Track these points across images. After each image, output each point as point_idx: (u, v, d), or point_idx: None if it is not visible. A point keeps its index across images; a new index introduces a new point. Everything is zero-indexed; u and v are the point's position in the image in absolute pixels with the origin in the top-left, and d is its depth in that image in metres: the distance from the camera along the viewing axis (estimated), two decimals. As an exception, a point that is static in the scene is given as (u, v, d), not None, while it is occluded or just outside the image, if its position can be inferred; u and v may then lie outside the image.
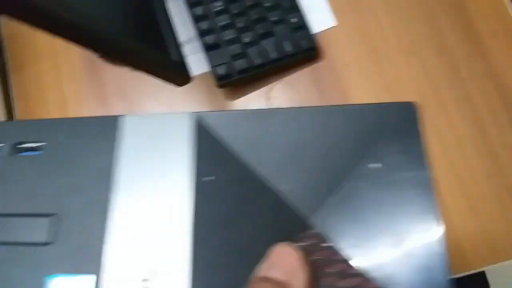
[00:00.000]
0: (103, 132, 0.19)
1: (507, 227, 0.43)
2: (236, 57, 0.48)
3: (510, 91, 0.46)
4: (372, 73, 0.48)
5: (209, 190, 0.18)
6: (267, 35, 0.48)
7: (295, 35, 0.48)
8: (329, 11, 0.50)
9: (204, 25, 0.49)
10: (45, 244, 0.18)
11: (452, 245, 0.44)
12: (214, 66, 0.48)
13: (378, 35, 0.49)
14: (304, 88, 0.49)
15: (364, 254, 0.17)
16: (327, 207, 0.18)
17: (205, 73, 0.50)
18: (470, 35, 0.47)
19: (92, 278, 0.17)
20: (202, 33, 0.49)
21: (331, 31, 0.49)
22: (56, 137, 0.20)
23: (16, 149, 0.20)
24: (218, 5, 0.49)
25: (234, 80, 0.48)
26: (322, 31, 0.49)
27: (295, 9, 0.48)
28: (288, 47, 0.47)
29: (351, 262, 0.17)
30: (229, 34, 0.48)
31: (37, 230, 0.18)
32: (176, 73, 0.41)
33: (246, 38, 0.48)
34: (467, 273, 0.43)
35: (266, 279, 0.16)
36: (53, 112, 0.56)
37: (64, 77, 0.56)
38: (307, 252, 0.17)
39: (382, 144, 0.18)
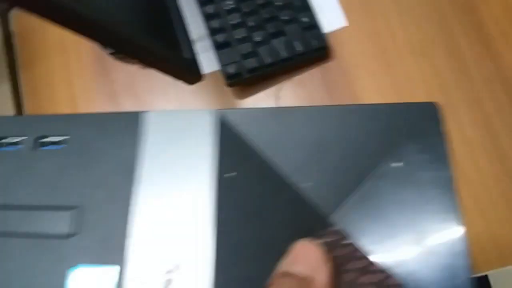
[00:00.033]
0: (126, 127, 0.20)
1: (516, 230, 0.43)
2: (246, 56, 0.48)
3: (520, 94, 0.46)
4: (382, 73, 0.48)
5: (230, 186, 0.18)
6: (277, 34, 0.48)
7: (306, 34, 0.48)
8: (340, 11, 0.50)
9: (215, 23, 0.49)
10: (69, 235, 0.18)
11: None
12: (224, 64, 0.48)
13: (388, 35, 0.49)
14: (313, 88, 0.49)
15: (385, 251, 0.17)
16: (349, 204, 0.18)
17: (214, 72, 0.50)
18: (481, 37, 0.47)
19: (115, 269, 0.17)
20: (212, 32, 0.49)
21: (341, 31, 0.50)
22: (79, 131, 0.20)
23: (39, 143, 0.20)
24: (230, 4, 0.49)
25: (244, 79, 0.48)
26: (332, 31, 0.49)
27: (306, 9, 0.49)
28: (298, 47, 0.48)
29: (372, 259, 0.17)
30: (240, 33, 0.48)
31: (61, 222, 0.18)
32: (188, 71, 0.41)
33: (257, 37, 0.48)
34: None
35: (289, 274, 0.16)
36: (62, 108, 0.56)
37: (74, 74, 0.56)
38: (328, 249, 0.17)
39: (404, 143, 0.18)
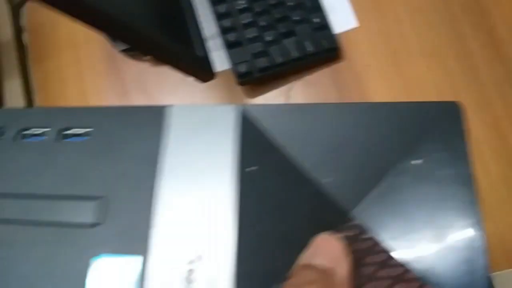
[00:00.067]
0: (149, 120, 0.20)
1: (523, 232, 0.44)
2: (257, 55, 0.48)
3: (530, 98, 0.46)
4: (392, 75, 0.48)
5: (252, 180, 0.19)
6: (289, 34, 0.49)
7: (316, 35, 0.48)
8: (351, 12, 0.50)
9: (227, 22, 0.49)
10: (93, 225, 0.19)
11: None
12: (235, 63, 0.49)
13: (399, 37, 0.49)
14: (323, 88, 0.49)
15: (404, 246, 0.17)
16: (369, 200, 0.18)
17: (225, 70, 0.51)
18: (492, 41, 0.47)
19: (139, 259, 0.18)
20: (224, 31, 0.49)
21: (352, 32, 0.50)
22: (102, 124, 0.20)
23: (63, 135, 0.21)
24: (241, 3, 0.49)
25: (255, 78, 0.49)
26: (343, 32, 0.50)
27: (318, 9, 0.49)
28: (309, 47, 0.48)
29: (391, 254, 0.17)
30: (251, 32, 0.49)
31: (85, 212, 0.19)
32: (201, 69, 0.41)
33: (268, 37, 0.48)
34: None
35: (310, 266, 0.16)
36: (73, 104, 0.57)
37: (85, 70, 0.57)
38: (348, 242, 0.17)
39: (425, 141, 0.18)
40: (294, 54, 0.48)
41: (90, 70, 0.56)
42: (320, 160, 0.19)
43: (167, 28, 0.39)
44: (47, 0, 0.26)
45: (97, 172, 0.20)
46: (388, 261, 0.17)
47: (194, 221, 0.18)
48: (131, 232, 0.18)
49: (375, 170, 0.18)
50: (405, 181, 0.18)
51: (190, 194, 0.18)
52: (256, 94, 0.51)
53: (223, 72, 0.51)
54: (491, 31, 0.48)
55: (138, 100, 0.54)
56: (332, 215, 0.18)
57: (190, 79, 0.52)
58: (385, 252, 0.17)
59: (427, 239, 0.17)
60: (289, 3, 0.49)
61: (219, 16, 0.50)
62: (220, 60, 0.50)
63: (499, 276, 0.53)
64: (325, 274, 0.16)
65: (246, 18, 0.49)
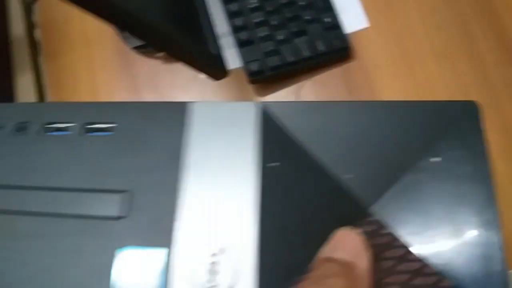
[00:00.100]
0: (172, 116, 0.20)
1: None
2: (269, 54, 0.49)
3: (539, 99, 0.46)
4: (403, 75, 0.49)
5: (273, 175, 0.19)
6: (300, 33, 0.49)
7: (328, 34, 0.49)
8: (362, 12, 0.51)
9: (239, 21, 0.50)
10: (118, 218, 0.19)
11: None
12: (247, 62, 0.49)
13: (410, 37, 0.49)
14: (334, 87, 0.50)
15: (422, 242, 0.18)
16: (388, 196, 0.19)
17: (236, 68, 0.51)
18: (502, 42, 0.48)
19: (164, 251, 0.18)
20: (236, 29, 0.50)
21: (363, 32, 0.50)
22: (126, 119, 0.21)
23: (87, 129, 0.21)
24: (253, 2, 0.50)
25: (266, 76, 0.49)
26: (354, 32, 0.50)
27: (329, 9, 0.49)
28: (320, 46, 0.48)
29: (410, 249, 0.18)
30: (263, 31, 0.49)
31: (111, 205, 0.19)
32: (214, 67, 0.42)
33: (280, 36, 0.49)
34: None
35: (331, 260, 0.17)
36: (85, 100, 0.57)
37: (97, 67, 0.57)
38: (368, 237, 0.18)
39: (443, 139, 0.19)
40: (306, 53, 0.48)
41: (102, 67, 0.57)
42: (341, 156, 0.19)
43: (182, 25, 0.39)
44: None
45: (121, 166, 0.20)
46: (406, 255, 0.18)
47: (217, 214, 0.18)
48: (155, 225, 0.19)
49: (394, 167, 0.19)
50: (424, 178, 0.18)
51: (213, 188, 0.19)
52: (267, 92, 0.51)
53: (234, 70, 0.51)
54: (501, 33, 0.48)
55: (150, 97, 0.54)
56: (351, 211, 0.19)
57: (201, 77, 0.53)
58: (404, 247, 0.18)
59: (445, 235, 0.18)
60: (300, 3, 0.49)
61: (231, 15, 0.50)
62: (231, 58, 0.51)
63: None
64: (346, 267, 0.16)
65: (257, 17, 0.49)
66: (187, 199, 0.19)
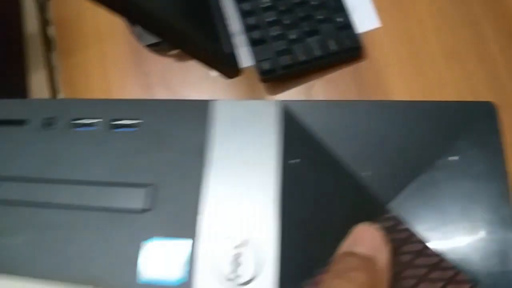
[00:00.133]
0: (195, 114, 0.21)
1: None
2: (281, 53, 0.49)
3: (550, 100, 0.47)
4: (413, 75, 0.49)
5: (294, 172, 0.20)
6: (312, 33, 0.49)
7: (339, 34, 0.49)
8: (374, 12, 0.51)
9: (251, 20, 0.50)
10: (144, 211, 0.20)
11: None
12: (259, 60, 0.50)
13: (421, 38, 0.50)
14: (345, 87, 0.50)
15: (439, 238, 0.18)
16: (406, 193, 0.19)
17: (248, 67, 0.52)
18: (513, 43, 0.48)
19: (188, 243, 0.19)
20: (248, 28, 0.50)
21: (375, 32, 0.51)
22: (150, 116, 0.22)
23: (113, 125, 0.22)
24: (266, 2, 0.50)
25: (278, 75, 0.50)
26: (366, 32, 0.51)
27: (341, 9, 0.50)
28: (332, 46, 0.49)
29: (427, 244, 0.18)
30: (275, 30, 0.50)
31: (136, 198, 0.20)
32: (227, 65, 0.42)
33: (292, 35, 0.49)
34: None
35: (352, 254, 0.18)
36: (97, 97, 0.58)
37: (109, 64, 0.58)
38: (386, 232, 0.18)
39: (461, 139, 0.19)
40: (317, 52, 0.49)
41: (115, 64, 0.58)
42: (360, 154, 0.20)
43: (197, 23, 0.40)
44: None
45: (146, 161, 0.21)
46: (424, 250, 0.18)
47: (239, 208, 0.19)
48: (179, 217, 0.19)
49: (412, 165, 0.19)
50: (441, 176, 0.19)
51: (236, 183, 0.19)
52: (278, 91, 0.52)
53: (246, 68, 0.52)
54: (512, 34, 0.48)
55: (162, 94, 0.55)
56: (370, 207, 0.19)
57: (213, 75, 0.53)
58: (421, 242, 0.18)
59: (461, 231, 0.18)
60: (313, 3, 0.50)
61: (244, 14, 0.51)
62: (243, 57, 0.51)
63: None
64: (367, 261, 0.17)
65: (270, 16, 0.50)
66: (210, 193, 0.19)
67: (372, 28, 0.51)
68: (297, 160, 0.20)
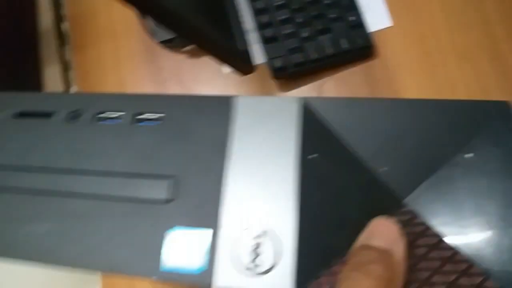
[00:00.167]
0: (218, 109, 0.22)
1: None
2: (293, 50, 0.50)
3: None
4: (424, 75, 0.49)
5: (313, 166, 0.20)
6: (324, 31, 0.50)
7: (351, 33, 0.50)
8: (386, 11, 0.52)
9: (264, 18, 0.51)
10: (167, 201, 0.20)
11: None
12: (271, 58, 0.50)
13: (433, 38, 0.50)
14: (356, 85, 0.51)
15: (454, 232, 0.19)
16: (422, 189, 0.20)
17: (260, 64, 0.52)
18: (525, 44, 0.48)
19: (209, 232, 0.20)
20: (261, 26, 0.51)
21: (386, 31, 0.51)
22: (173, 110, 0.22)
23: (136, 119, 0.23)
24: (279, 0, 0.51)
25: (290, 73, 0.50)
26: (377, 31, 0.51)
27: (353, 8, 0.50)
28: (344, 44, 0.49)
29: (442, 238, 0.19)
30: (287, 28, 0.50)
31: (160, 189, 0.21)
32: (242, 62, 0.43)
33: (304, 33, 0.50)
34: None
35: (369, 247, 0.18)
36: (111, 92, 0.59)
37: (123, 60, 0.59)
38: (402, 226, 0.19)
39: (476, 137, 0.20)
40: (329, 50, 0.49)
41: (128, 60, 0.59)
42: (377, 150, 0.20)
43: (213, 19, 0.41)
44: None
45: (169, 153, 0.22)
46: (439, 244, 0.19)
47: (259, 200, 0.20)
48: (201, 208, 0.20)
49: (429, 162, 0.20)
50: (457, 172, 0.19)
51: (256, 176, 0.20)
52: (289, 88, 0.52)
53: (257, 65, 0.52)
54: (525, 35, 0.48)
55: (175, 90, 0.56)
56: (387, 201, 0.20)
57: (225, 72, 0.54)
58: (436, 236, 0.19)
59: (476, 227, 0.19)
60: (325, 1, 0.50)
61: (257, 12, 0.51)
62: (255, 54, 0.52)
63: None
64: (384, 254, 0.18)
65: (282, 15, 0.51)
66: (231, 185, 0.20)
67: (384, 27, 0.51)
68: (316, 155, 0.20)
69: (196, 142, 0.21)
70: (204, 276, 0.19)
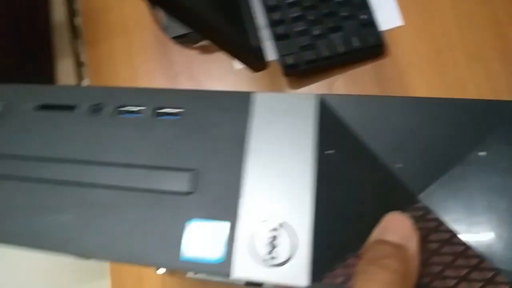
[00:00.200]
0: (236, 104, 0.22)
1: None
2: (304, 48, 0.50)
3: None
4: (435, 74, 0.50)
5: (329, 162, 0.21)
6: (336, 29, 0.50)
7: (363, 31, 0.50)
8: (397, 10, 0.52)
9: (276, 15, 0.51)
10: (187, 193, 0.21)
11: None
12: (282, 55, 0.51)
13: (444, 37, 0.50)
14: (366, 84, 0.51)
15: (466, 228, 0.20)
16: (435, 186, 0.20)
17: (271, 61, 0.53)
18: (537, 45, 0.48)
19: (228, 224, 0.20)
20: (273, 23, 0.52)
21: (397, 30, 0.51)
22: (193, 105, 0.23)
23: (157, 113, 0.23)
24: (291, -2, 0.51)
25: (301, 70, 0.51)
26: (389, 29, 0.51)
27: (365, 6, 0.50)
28: (355, 42, 0.50)
29: (454, 233, 0.20)
30: (299, 26, 0.51)
31: (180, 182, 0.21)
32: (254, 59, 0.43)
33: (316, 31, 0.50)
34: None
35: (383, 242, 0.19)
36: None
37: (135, 55, 0.60)
38: (415, 221, 0.19)
39: (490, 136, 0.20)
40: (340, 48, 0.50)
41: (141, 55, 0.59)
42: (392, 147, 0.21)
43: (226, 16, 0.41)
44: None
45: (189, 147, 0.22)
46: (451, 239, 0.19)
47: (277, 194, 0.20)
48: (220, 201, 0.21)
49: (442, 159, 0.20)
50: (470, 170, 0.20)
51: (274, 170, 0.21)
52: (300, 85, 0.53)
53: (268, 62, 0.53)
54: (536, 36, 0.49)
55: (186, 86, 0.56)
56: (401, 197, 0.21)
57: (236, 68, 0.55)
58: (449, 231, 0.20)
59: (487, 223, 0.19)
60: (337, -1, 0.51)
61: (269, 9, 0.52)
62: (267, 51, 0.52)
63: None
64: (398, 248, 0.18)
65: (294, 12, 0.51)
66: (249, 179, 0.21)
67: (395, 26, 0.51)
68: (332, 151, 0.21)
69: (216, 136, 0.22)
70: (222, 267, 0.20)
